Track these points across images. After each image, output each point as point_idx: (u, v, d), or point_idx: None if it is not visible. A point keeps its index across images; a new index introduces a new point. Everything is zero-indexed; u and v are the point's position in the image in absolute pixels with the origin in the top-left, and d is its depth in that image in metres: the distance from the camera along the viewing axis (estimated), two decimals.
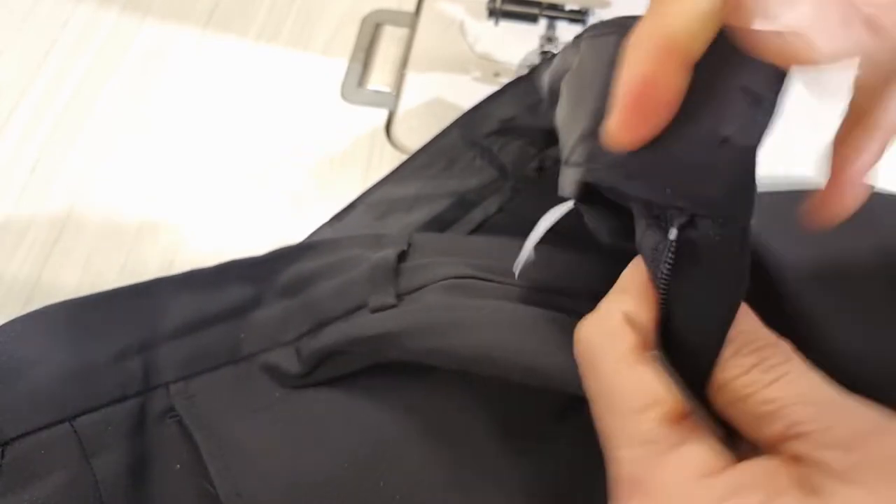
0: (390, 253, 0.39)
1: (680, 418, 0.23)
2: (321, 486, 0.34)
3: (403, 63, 0.58)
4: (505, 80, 0.56)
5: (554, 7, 0.53)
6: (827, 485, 0.20)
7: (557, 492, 0.34)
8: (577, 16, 0.53)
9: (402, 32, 0.60)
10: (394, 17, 0.61)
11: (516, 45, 0.58)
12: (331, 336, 0.36)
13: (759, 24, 0.20)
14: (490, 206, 0.47)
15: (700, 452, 0.22)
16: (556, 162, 0.46)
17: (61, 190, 0.51)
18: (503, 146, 0.48)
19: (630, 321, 0.25)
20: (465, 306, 0.35)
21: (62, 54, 0.57)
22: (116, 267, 0.47)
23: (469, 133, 0.48)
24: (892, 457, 0.20)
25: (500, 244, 0.40)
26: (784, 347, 0.23)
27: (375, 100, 0.56)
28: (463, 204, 0.47)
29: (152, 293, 0.38)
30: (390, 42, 0.59)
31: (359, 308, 0.37)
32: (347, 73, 0.57)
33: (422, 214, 0.47)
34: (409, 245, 0.40)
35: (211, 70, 0.57)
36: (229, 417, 0.36)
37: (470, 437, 0.35)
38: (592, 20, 0.53)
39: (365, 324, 0.36)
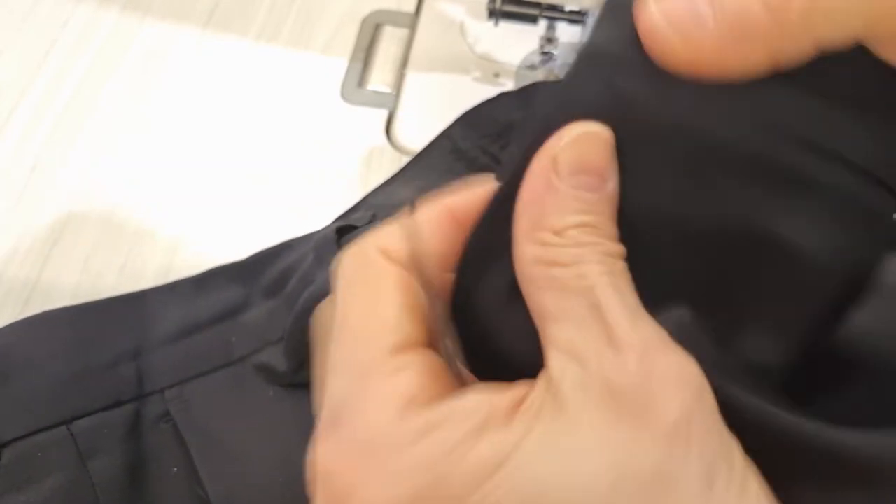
0: (331, 227, 0.39)
1: (406, 347, 0.20)
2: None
3: (403, 63, 0.58)
4: (505, 80, 0.56)
5: (554, 8, 0.53)
6: (567, 402, 0.18)
7: None
8: (577, 17, 0.53)
9: (402, 33, 0.60)
10: (394, 18, 0.61)
11: (516, 45, 0.58)
12: (292, 326, 0.37)
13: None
14: None
15: (411, 380, 0.20)
16: None
17: (61, 190, 0.51)
18: (504, 147, 0.48)
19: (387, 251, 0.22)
20: None
21: (62, 54, 0.57)
22: (116, 268, 0.47)
23: (470, 134, 0.48)
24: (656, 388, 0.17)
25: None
26: (620, 251, 0.20)
27: (375, 100, 0.56)
28: None
29: (145, 301, 0.39)
30: (390, 42, 0.59)
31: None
32: (347, 74, 0.57)
33: None
34: (374, 216, 0.40)
35: (211, 70, 0.57)
36: (223, 420, 0.36)
37: None
38: (591, 21, 0.53)
39: (301, 304, 0.36)
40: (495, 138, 0.48)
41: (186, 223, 0.49)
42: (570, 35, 0.55)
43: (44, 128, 0.54)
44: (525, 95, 0.47)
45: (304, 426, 0.36)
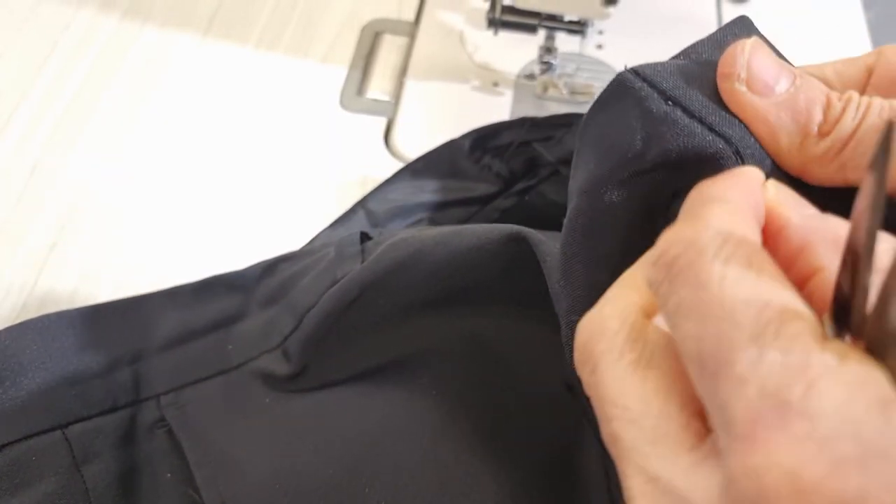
0: (356, 232, 0.40)
1: (822, 335, 0.18)
2: (306, 492, 0.34)
3: (402, 72, 0.58)
4: (504, 89, 0.57)
5: (553, 18, 0.53)
6: None
7: (545, 492, 0.34)
8: (576, 27, 0.53)
9: (401, 41, 0.60)
10: (393, 26, 0.61)
11: (515, 55, 0.58)
12: (309, 323, 0.37)
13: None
14: (492, 213, 0.47)
15: (873, 372, 0.16)
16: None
17: (60, 193, 0.51)
18: (513, 156, 0.48)
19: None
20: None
21: (63, 57, 0.57)
22: (114, 273, 0.47)
23: (477, 148, 0.48)
24: None
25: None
26: None
27: (374, 108, 0.56)
28: (465, 210, 0.47)
29: (142, 307, 0.39)
30: (390, 50, 0.60)
31: (330, 288, 0.38)
32: (347, 81, 0.57)
33: (421, 220, 0.47)
34: (380, 234, 0.41)
35: (210, 76, 0.57)
36: (219, 425, 0.36)
37: (456, 442, 0.35)
38: (590, 31, 0.53)
39: (332, 293, 0.37)
40: (499, 154, 0.48)
41: (184, 229, 0.50)
42: (568, 45, 0.56)
43: (43, 131, 0.54)
44: (546, 125, 0.47)
45: (299, 432, 0.36)
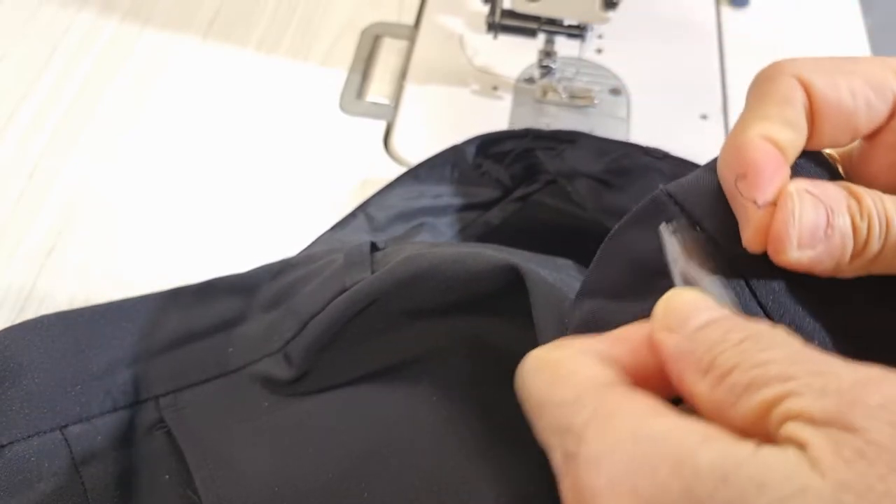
0: (365, 241, 0.40)
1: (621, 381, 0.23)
2: (305, 495, 0.34)
3: (402, 75, 0.58)
4: (503, 93, 0.57)
5: (552, 22, 0.53)
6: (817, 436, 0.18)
7: (544, 500, 0.34)
8: (576, 31, 0.53)
9: (401, 45, 0.60)
10: (393, 30, 0.61)
11: (515, 58, 0.58)
12: (314, 329, 0.37)
13: None
14: (493, 219, 0.47)
15: (651, 399, 0.21)
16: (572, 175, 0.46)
17: (59, 195, 0.51)
18: (511, 163, 0.48)
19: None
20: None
21: (63, 60, 0.58)
22: (112, 276, 0.47)
23: (479, 154, 0.48)
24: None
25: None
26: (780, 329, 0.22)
27: (374, 111, 0.56)
28: (465, 215, 0.47)
29: (142, 308, 0.39)
30: (389, 54, 0.60)
31: (337, 296, 0.38)
32: (346, 85, 0.57)
33: (422, 224, 0.47)
34: (385, 245, 0.41)
35: (210, 79, 0.57)
36: (218, 428, 0.36)
37: (455, 447, 0.35)
38: (590, 35, 0.53)
39: (341, 300, 0.37)
40: (499, 160, 0.48)
41: (183, 231, 0.50)
42: (568, 49, 0.56)
43: (44, 132, 0.54)
44: (549, 137, 0.47)
45: (298, 436, 0.36)
